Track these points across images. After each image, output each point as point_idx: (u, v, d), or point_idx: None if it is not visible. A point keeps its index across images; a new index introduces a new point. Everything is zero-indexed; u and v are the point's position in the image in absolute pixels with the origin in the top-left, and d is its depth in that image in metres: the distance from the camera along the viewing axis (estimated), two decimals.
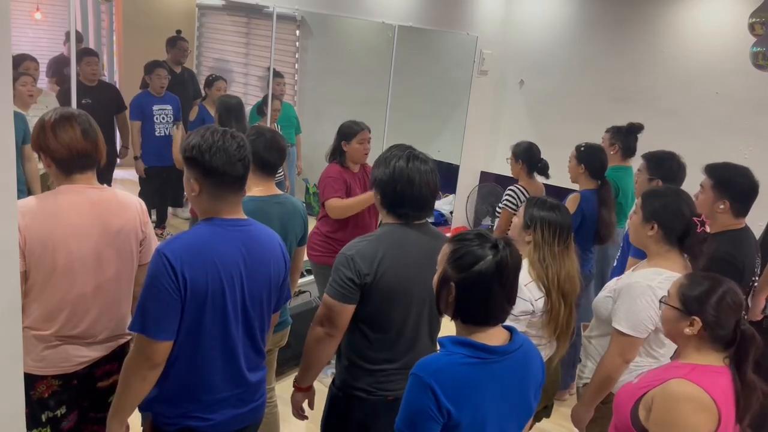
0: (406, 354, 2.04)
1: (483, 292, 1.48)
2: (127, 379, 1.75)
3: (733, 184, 2.59)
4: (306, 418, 2.22)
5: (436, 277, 1.56)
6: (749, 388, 1.68)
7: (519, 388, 1.55)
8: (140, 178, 4.71)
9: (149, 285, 1.70)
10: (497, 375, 1.49)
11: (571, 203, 3.51)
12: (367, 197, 3.35)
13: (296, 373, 2.19)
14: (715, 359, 1.72)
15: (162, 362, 1.73)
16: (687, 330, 1.72)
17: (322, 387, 2.25)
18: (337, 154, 3.47)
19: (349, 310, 1.97)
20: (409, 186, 1.98)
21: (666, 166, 3.23)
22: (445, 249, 1.55)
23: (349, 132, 3.43)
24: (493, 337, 1.52)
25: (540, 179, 3.98)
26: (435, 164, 2.07)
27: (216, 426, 1.84)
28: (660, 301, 1.85)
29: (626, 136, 4.00)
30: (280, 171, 4.84)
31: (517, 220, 2.45)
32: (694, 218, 2.17)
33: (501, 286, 1.48)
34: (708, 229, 2.18)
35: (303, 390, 2.16)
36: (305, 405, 2.22)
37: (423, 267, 1.98)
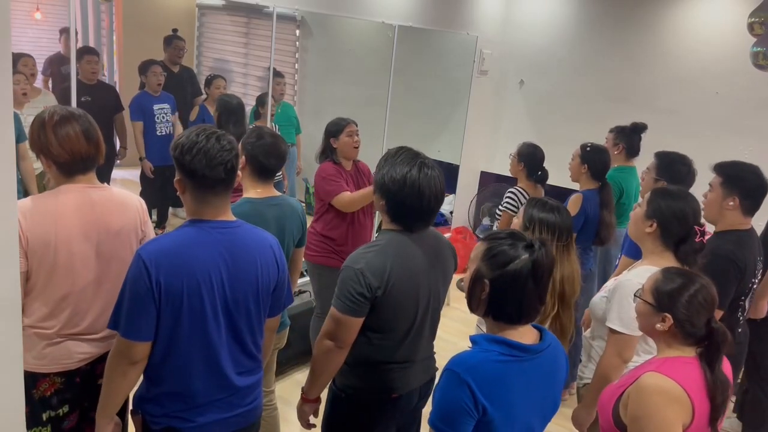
0: (408, 353, 2.06)
1: (518, 291, 1.49)
2: (109, 375, 1.78)
3: (743, 180, 2.59)
4: (313, 425, 2.18)
5: (468, 275, 1.56)
6: (720, 384, 1.67)
7: (547, 385, 1.58)
8: (141, 178, 4.71)
9: (126, 286, 1.71)
10: (528, 373, 1.51)
11: (573, 204, 3.51)
12: (369, 192, 3.25)
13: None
14: (687, 352, 1.72)
15: (140, 360, 1.74)
16: (658, 326, 1.73)
17: None
18: (328, 153, 3.43)
19: (358, 323, 1.95)
20: (419, 199, 1.93)
21: (675, 169, 3.21)
22: (479, 247, 1.56)
23: (335, 128, 3.39)
24: (525, 335, 1.54)
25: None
26: (440, 169, 2.02)
27: (199, 428, 1.82)
28: (634, 295, 1.85)
29: (630, 136, 3.99)
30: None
31: (517, 221, 2.45)
32: (696, 227, 2.16)
33: (535, 286, 1.49)
34: (706, 241, 2.17)
35: (311, 401, 2.12)
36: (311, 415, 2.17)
37: (427, 273, 2.00)
